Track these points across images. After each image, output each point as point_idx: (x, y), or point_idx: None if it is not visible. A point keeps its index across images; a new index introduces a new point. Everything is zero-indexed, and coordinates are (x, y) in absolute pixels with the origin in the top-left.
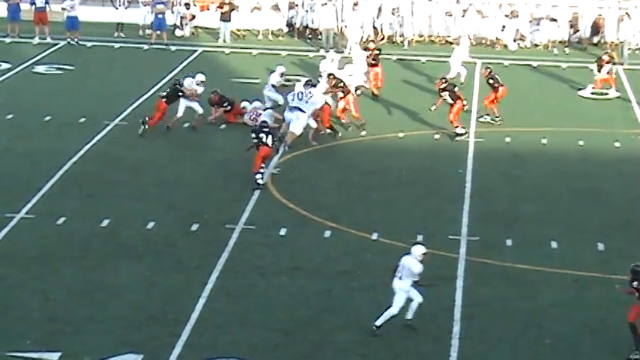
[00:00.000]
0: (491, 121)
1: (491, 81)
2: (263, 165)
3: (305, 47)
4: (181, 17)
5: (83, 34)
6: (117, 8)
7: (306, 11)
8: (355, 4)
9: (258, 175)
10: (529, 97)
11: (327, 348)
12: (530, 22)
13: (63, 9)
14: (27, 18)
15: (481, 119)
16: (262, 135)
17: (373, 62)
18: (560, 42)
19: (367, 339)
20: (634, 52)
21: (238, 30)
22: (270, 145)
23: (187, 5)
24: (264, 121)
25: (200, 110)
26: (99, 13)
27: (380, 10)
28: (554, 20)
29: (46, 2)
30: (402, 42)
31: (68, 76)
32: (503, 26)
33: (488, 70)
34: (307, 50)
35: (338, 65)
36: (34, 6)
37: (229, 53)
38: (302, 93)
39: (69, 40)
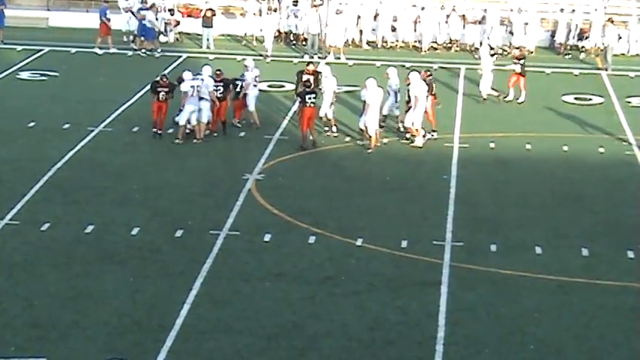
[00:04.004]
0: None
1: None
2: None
3: (289, 53)
4: (166, 23)
5: (67, 41)
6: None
7: (287, 16)
8: (338, 10)
9: None
10: (513, 102)
11: (312, 354)
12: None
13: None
14: (10, 24)
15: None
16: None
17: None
18: (544, 47)
19: (351, 345)
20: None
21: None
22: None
23: (171, 11)
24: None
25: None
26: (83, 19)
27: (359, 16)
28: (540, 25)
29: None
30: (390, 47)
31: (52, 83)
32: (485, 31)
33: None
34: (291, 56)
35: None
36: (104, 17)
37: (214, 59)
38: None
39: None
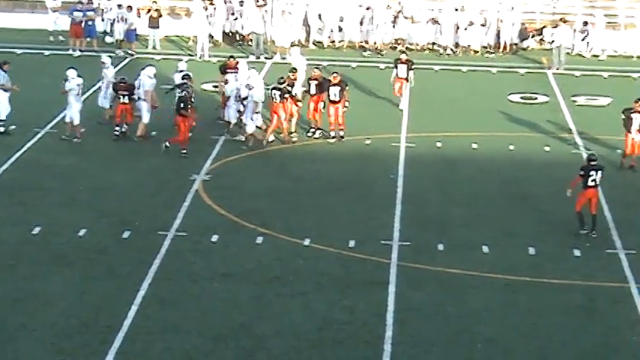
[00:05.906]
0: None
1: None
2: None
3: (235, 53)
4: (111, 24)
5: (12, 42)
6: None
7: (235, 18)
8: (284, 11)
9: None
10: (459, 102)
11: (260, 354)
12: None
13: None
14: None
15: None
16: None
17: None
18: (487, 46)
19: (300, 345)
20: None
21: (167, 37)
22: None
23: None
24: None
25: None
26: (28, 20)
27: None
28: (484, 25)
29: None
30: (337, 48)
31: None
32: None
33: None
34: (237, 57)
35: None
36: (71, 19)
37: (160, 60)
38: None
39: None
